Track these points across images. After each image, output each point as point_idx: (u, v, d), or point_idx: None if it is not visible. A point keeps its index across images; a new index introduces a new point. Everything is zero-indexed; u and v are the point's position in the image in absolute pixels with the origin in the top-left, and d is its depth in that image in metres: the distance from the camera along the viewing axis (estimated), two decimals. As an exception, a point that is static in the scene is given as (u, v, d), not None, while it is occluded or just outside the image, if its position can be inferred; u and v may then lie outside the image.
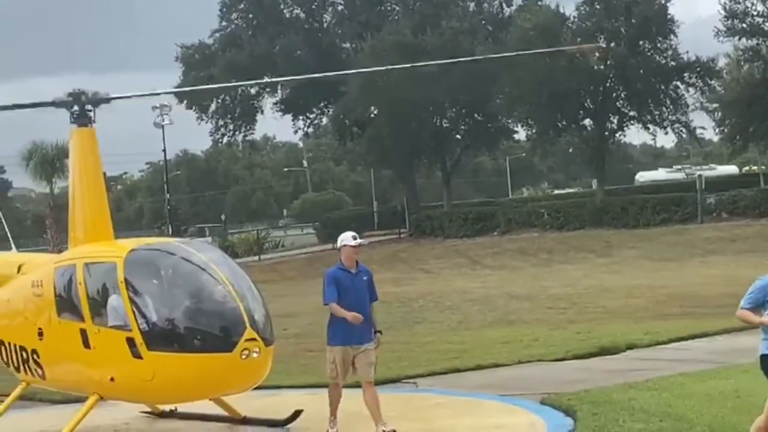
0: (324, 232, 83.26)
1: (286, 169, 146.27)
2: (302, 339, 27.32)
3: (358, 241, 14.48)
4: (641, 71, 64.51)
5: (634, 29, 64.49)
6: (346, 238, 14.47)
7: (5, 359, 16.44)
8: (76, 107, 15.70)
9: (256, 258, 70.96)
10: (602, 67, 65.83)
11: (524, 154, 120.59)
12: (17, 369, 16.17)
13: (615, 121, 68.30)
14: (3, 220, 22.20)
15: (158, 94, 58.00)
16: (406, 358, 21.96)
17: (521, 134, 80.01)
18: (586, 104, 67.62)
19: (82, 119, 15.74)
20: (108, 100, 16.10)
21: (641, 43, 65.30)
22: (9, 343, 16.18)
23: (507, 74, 65.43)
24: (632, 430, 13.18)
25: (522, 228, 66.07)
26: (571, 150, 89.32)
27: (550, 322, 27.44)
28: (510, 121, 74.03)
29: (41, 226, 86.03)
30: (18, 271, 16.52)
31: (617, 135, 70.92)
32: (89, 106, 15.76)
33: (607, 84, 66.49)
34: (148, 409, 17.02)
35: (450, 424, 15.04)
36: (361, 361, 14.19)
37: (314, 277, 57.42)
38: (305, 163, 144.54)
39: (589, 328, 24.94)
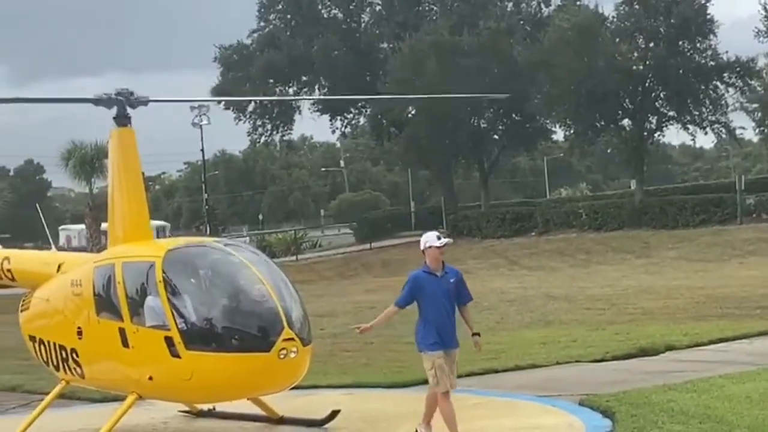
0: (361, 232, 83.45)
1: (323, 170, 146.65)
2: (339, 339, 27.33)
3: (443, 241, 13.54)
4: (680, 71, 64.18)
5: (673, 29, 64.14)
6: (431, 238, 13.54)
7: (45, 358, 16.52)
8: (116, 107, 15.77)
9: (294, 258, 71.13)
10: (641, 67, 65.55)
11: (562, 155, 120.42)
12: (57, 368, 16.24)
13: (654, 121, 67.96)
14: (43, 220, 22.37)
15: (197, 101, 58.59)
16: (443, 358, 21.89)
17: (559, 134, 79.88)
18: (624, 104, 67.32)
19: (122, 119, 15.77)
20: (147, 102, 16.11)
21: (681, 43, 64.91)
22: (49, 342, 16.26)
23: (545, 74, 65.26)
24: (671, 431, 13.10)
25: (560, 228, 65.89)
26: (609, 150, 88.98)
27: (588, 322, 27.30)
28: (548, 121, 73.83)
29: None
30: (57, 270, 16.60)
31: (656, 135, 70.57)
32: (129, 107, 15.82)
33: (646, 84, 66.15)
34: (186, 409, 17.08)
35: (488, 424, 14.99)
36: (447, 367, 13.38)
37: (351, 277, 57.70)
38: (342, 163, 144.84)
39: (628, 329, 24.79)
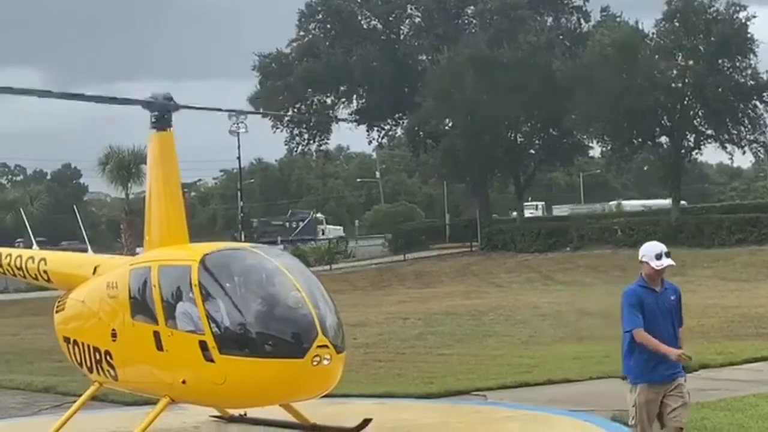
0: (395, 244, 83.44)
1: (359, 180, 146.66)
2: (372, 349, 27.40)
3: (664, 263, 11.62)
4: (719, 90, 63.93)
5: (713, 47, 63.94)
6: (648, 254, 11.66)
7: (79, 359, 16.53)
8: (156, 111, 15.81)
9: (327, 267, 71.18)
10: (680, 84, 65.32)
11: (599, 171, 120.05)
12: (90, 370, 16.26)
13: (692, 139, 67.69)
14: (81, 224, 22.51)
15: (238, 112, 58.91)
16: (475, 370, 21.91)
17: (596, 150, 79.65)
18: (662, 121, 67.07)
19: (162, 123, 15.82)
20: (187, 107, 16.14)
21: (720, 61, 64.71)
22: (83, 344, 16.28)
23: (583, 89, 65.08)
24: (705, 449, 13.04)
25: (595, 244, 65.67)
26: (646, 168, 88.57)
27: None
28: (585, 136, 73.63)
29: (115, 230, 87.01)
30: (93, 273, 16.64)
31: (693, 153, 70.26)
32: (169, 111, 15.86)
33: (685, 102, 65.93)
34: (218, 414, 17.10)
35: (519, 437, 14.97)
36: (672, 400, 11.57)
37: (384, 288, 57.67)
38: (378, 175, 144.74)
39: (662, 347, 24.63)
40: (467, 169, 76.08)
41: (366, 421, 15.45)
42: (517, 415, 16.76)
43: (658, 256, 11.53)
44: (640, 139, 67.87)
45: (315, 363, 13.39)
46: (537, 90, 67.36)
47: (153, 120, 15.82)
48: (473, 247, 74.44)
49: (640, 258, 11.68)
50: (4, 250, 18.90)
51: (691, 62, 64.44)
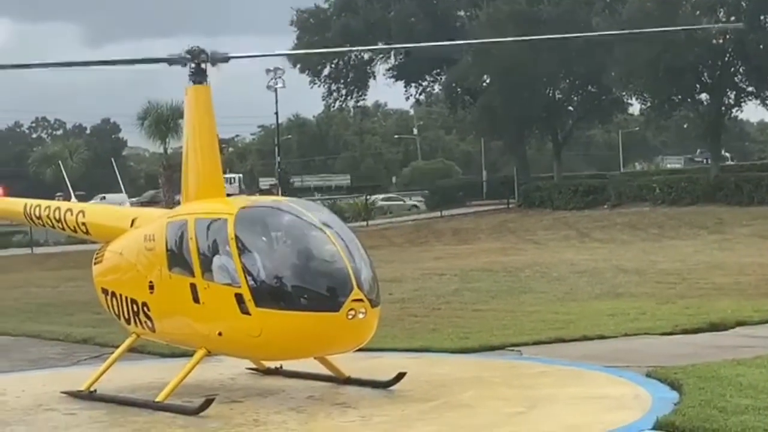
0: (432, 200, 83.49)
1: (396, 137, 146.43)
2: (407, 304, 27.43)
3: None
4: (761, 47, 63.30)
5: (754, 3, 63.29)
6: None
7: (116, 311, 16.68)
8: (193, 64, 15.81)
9: (364, 223, 71.26)
10: (721, 41, 64.73)
11: (637, 129, 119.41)
12: (128, 321, 16.40)
13: (732, 96, 67.15)
14: (118, 174, 22.66)
15: (276, 55, 58.54)
16: (510, 326, 21.92)
17: (635, 108, 79.15)
18: (703, 78, 66.55)
19: (199, 77, 15.80)
20: (226, 59, 16.13)
21: (762, 17, 64.04)
22: (121, 295, 16.43)
23: (623, 46, 64.61)
24: (739, 405, 12.98)
25: (633, 202, 65.43)
26: (685, 125, 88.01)
27: (658, 296, 27.11)
28: (624, 93, 73.20)
29: (154, 185, 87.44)
30: (131, 225, 16.75)
31: (734, 111, 69.75)
32: (206, 64, 15.86)
33: (726, 58, 65.35)
34: (254, 366, 17.22)
35: (554, 392, 14.96)
36: None
37: (421, 244, 57.73)
38: (415, 131, 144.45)
39: (699, 304, 24.58)
40: (505, 126, 75.94)
41: (401, 375, 15.52)
42: (552, 370, 16.78)
43: None
44: (679, 96, 67.45)
45: (350, 316, 13.51)
46: (576, 46, 66.95)
47: (189, 73, 15.86)
48: (510, 204, 74.35)
49: None
50: (44, 203, 19.04)
51: (732, 18, 63.80)
